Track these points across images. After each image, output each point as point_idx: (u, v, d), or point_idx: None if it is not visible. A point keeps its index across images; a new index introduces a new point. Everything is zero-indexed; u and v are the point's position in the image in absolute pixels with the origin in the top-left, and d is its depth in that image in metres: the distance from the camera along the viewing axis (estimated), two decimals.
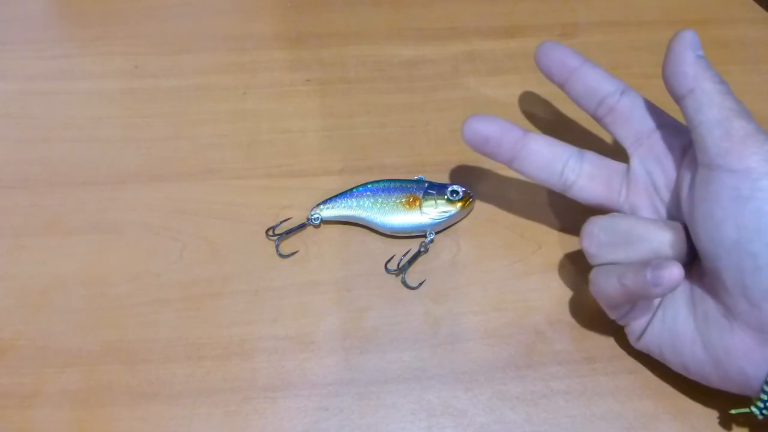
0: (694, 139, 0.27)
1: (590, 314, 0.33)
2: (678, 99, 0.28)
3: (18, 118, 0.41)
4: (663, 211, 0.30)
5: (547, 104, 0.42)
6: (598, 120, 0.32)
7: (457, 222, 0.36)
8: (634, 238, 0.28)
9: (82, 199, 0.37)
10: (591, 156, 0.32)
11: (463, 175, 0.38)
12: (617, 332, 0.32)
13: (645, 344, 0.30)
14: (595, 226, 0.30)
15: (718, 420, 0.30)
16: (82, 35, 0.46)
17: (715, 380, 0.27)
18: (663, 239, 0.28)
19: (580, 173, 0.31)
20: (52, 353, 0.32)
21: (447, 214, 0.35)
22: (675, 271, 0.25)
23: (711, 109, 0.27)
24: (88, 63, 0.44)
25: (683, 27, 0.45)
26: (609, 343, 0.32)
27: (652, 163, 0.30)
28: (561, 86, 0.32)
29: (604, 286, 0.29)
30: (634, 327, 0.30)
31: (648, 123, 0.30)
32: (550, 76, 0.33)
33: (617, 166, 0.32)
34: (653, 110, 0.31)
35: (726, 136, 0.26)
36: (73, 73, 0.43)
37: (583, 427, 0.30)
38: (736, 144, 0.26)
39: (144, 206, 0.37)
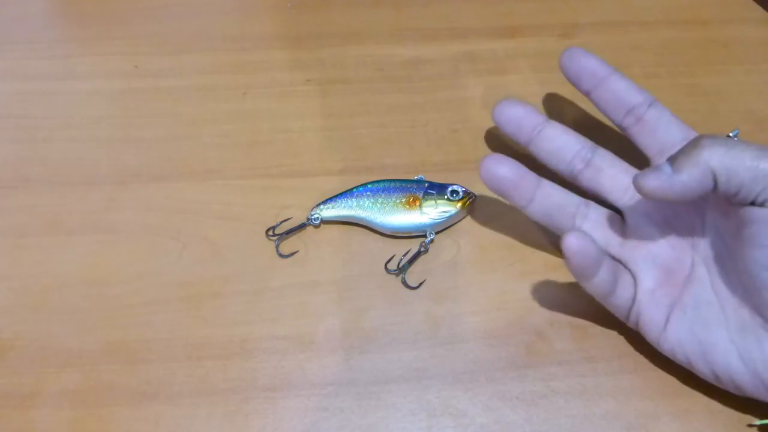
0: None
1: (590, 314, 0.33)
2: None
3: (18, 118, 0.41)
4: (672, 219, 0.30)
5: (547, 104, 0.42)
6: (623, 129, 0.33)
7: (457, 222, 0.36)
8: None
9: (82, 199, 0.37)
10: (603, 152, 0.33)
11: (463, 175, 0.38)
12: (617, 332, 0.32)
13: (670, 351, 0.29)
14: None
15: (718, 420, 0.30)
16: (82, 35, 0.46)
17: (750, 390, 0.27)
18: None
19: (589, 163, 0.32)
20: (52, 353, 0.32)
21: (447, 214, 0.35)
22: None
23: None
24: (88, 63, 0.44)
25: (683, 27, 0.46)
26: (609, 343, 0.32)
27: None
28: (587, 94, 0.33)
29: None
30: (632, 314, 0.30)
31: (674, 135, 0.31)
32: (577, 84, 0.33)
33: (626, 166, 0.32)
34: (679, 124, 0.31)
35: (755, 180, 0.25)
36: (73, 73, 0.43)
37: (583, 427, 0.30)
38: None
39: (144, 206, 0.37)
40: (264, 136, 0.40)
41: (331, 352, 0.32)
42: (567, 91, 0.42)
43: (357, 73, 0.43)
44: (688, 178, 0.26)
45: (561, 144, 0.33)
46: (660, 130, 0.31)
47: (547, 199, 0.32)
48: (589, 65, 0.33)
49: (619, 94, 0.32)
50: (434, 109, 0.41)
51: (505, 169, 0.31)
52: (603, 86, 0.33)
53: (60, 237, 0.36)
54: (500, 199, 0.37)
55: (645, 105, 0.32)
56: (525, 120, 0.33)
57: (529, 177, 0.32)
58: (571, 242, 0.27)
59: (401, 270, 0.34)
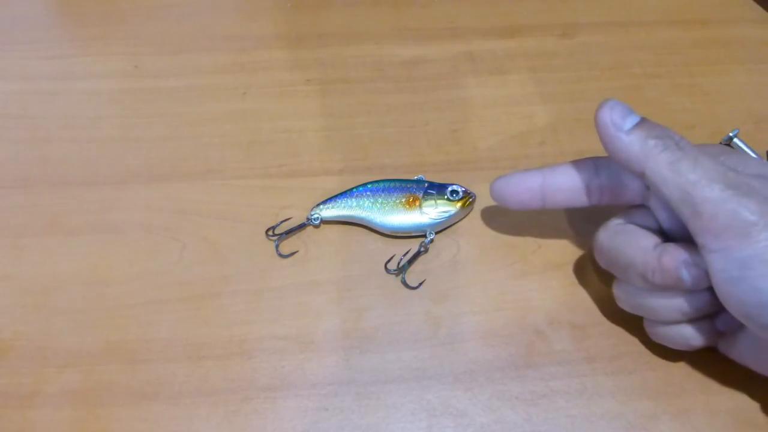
0: None
1: (590, 314, 0.33)
2: (637, 176, 0.27)
3: (18, 118, 0.41)
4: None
5: (546, 104, 0.42)
6: (601, 205, 0.31)
7: (457, 222, 0.36)
8: (625, 262, 0.28)
9: (82, 199, 0.37)
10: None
11: (463, 175, 0.38)
12: (617, 332, 0.32)
13: (730, 356, 0.29)
14: (600, 238, 0.30)
15: (718, 420, 0.30)
16: (82, 35, 0.46)
17: None
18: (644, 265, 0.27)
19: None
20: (52, 353, 0.32)
21: (447, 214, 0.35)
22: None
23: (668, 190, 0.26)
24: (88, 63, 0.44)
25: (683, 27, 0.46)
26: (609, 343, 0.32)
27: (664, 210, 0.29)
28: (543, 207, 0.31)
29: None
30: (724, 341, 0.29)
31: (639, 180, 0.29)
32: (526, 207, 0.31)
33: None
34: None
35: (695, 215, 0.25)
36: (73, 73, 0.43)
37: (583, 427, 0.30)
38: (707, 222, 0.24)
39: (144, 206, 0.37)
40: (264, 136, 0.40)
41: (331, 352, 0.32)
42: (566, 91, 0.42)
43: (357, 73, 0.43)
44: (628, 146, 0.27)
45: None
46: (627, 182, 0.29)
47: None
48: (519, 184, 0.31)
49: (566, 186, 0.30)
50: (434, 109, 0.41)
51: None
52: (549, 191, 0.31)
53: (60, 237, 0.36)
54: None
55: (593, 174, 0.30)
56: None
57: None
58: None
59: (401, 270, 0.34)
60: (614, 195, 0.30)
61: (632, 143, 0.27)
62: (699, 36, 0.45)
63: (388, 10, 0.47)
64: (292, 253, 0.35)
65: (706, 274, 0.25)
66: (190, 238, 0.35)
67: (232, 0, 0.48)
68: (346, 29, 0.46)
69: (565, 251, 0.35)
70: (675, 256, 0.26)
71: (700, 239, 0.25)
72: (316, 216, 0.35)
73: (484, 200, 0.37)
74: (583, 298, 0.33)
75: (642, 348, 0.31)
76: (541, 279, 0.34)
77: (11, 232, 0.36)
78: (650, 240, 0.28)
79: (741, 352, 0.28)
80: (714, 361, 0.30)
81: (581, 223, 0.36)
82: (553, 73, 0.43)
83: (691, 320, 0.28)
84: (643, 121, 0.27)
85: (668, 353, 0.31)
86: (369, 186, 0.36)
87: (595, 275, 0.34)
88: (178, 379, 0.31)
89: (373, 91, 0.42)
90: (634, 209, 0.30)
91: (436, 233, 0.35)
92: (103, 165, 0.39)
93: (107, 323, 0.33)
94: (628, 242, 0.28)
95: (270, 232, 0.35)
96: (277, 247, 0.35)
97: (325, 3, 0.48)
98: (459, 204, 0.35)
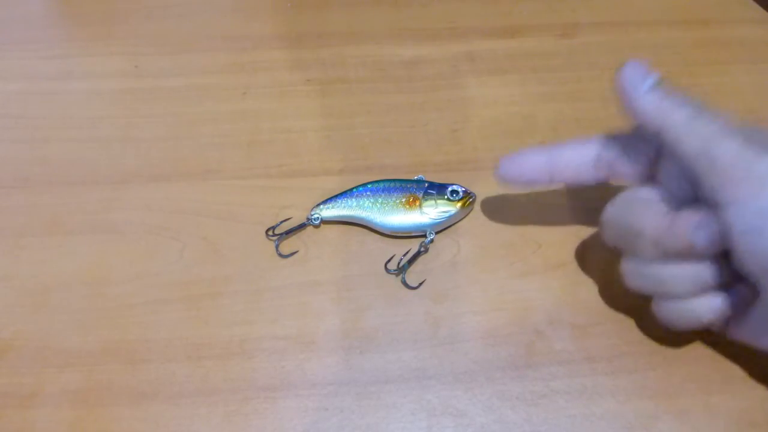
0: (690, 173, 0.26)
1: (590, 314, 0.33)
2: (654, 135, 0.27)
3: (18, 118, 0.41)
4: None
5: (547, 103, 0.42)
6: (608, 180, 0.31)
7: (457, 222, 0.36)
8: (635, 230, 0.28)
9: (82, 199, 0.37)
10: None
11: (463, 175, 0.38)
12: (617, 332, 0.32)
13: (740, 337, 0.29)
14: (608, 211, 0.29)
15: (718, 420, 0.30)
16: (82, 35, 0.46)
17: None
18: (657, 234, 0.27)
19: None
20: (52, 353, 0.32)
21: (447, 214, 0.35)
22: None
23: (686, 143, 0.26)
24: (88, 63, 0.44)
25: (683, 27, 0.46)
26: (609, 343, 0.32)
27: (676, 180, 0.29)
28: (551, 183, 0.32)
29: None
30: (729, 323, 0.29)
31: (647, 150, 0.29)
32: (533, 183, 0.32)
33: (645, 144, 0.30)
34: (642, 138, 0.30)
35: (712, 168, 0.25)
36: (73, 73, 0.43)
37: (583, 427, 0.30)
38: (724, 172, 0.24)
39: (144, 206, 0.37)
40: (264, 136, 0.40)
41: (331, 352, 0.32)
42: (566, 91, 0.42)
43: (357, 73, 0.43)
44: (646, 107, 0.27)
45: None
46: (632, 156, 0.30)
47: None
48: (524, 162, 0.31)
49: (574, 162, 0.31)
50: (434, 109, 0.41)
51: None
52: (556, 167, 0.31)
53: (60, 237, 0.36)
54: (499, 198, 0.37)
55: (600, 149, 0.30)
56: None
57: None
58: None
59: (401, 270, 0.34)
60: (622, 170, 0.30)
61: (652, 100, 0.27)
62: (699, 36, 0.45)
63: (388, 10, 0.47)
64: (292, 253, 0.35)
65: (720, 236, 0.25)
66: (190, 238, 0.35)
67: (231, 0, 0.48)
68: (346, 29, 0.46)
69: (565, 251, 0.35)
70: (688, 219, 0.26)
71: (716, 194, 0.25)
72: (316, 216, 0.35)
73: (484, 200, 0.37)
74: (583, 298, 0.33)
75: (642, 348, 0.31)
76: (541, 279, 0.34)
77: (11, 232, 0.36)
78: (661, 206, 0.28)
79: (753, 329, 0.28)
80: (714, 361, 0.30)
81: (581, 223, 0.36)
82: (553, 73, 0.43)
83: (703, 291, 0.27)
84: (663, 81, 0.27)
85: (668, 353, 0.31)
86: (369, 186, 0.36)
87: (596, 275, 0.34)
88: (178, 379, 0.31)
89: (373, 91, 0.42)
90: (641, 186, 0.30)
91: (436, 233, 0.35)
92: (103, 165, 0.39)
93: (107, 323, 0.33)
94: (639, 211, 0.28)
95: (270, 232, 0.35)
96: (277, 247, 0.35)
97: (325, 3, 0.48)
98: (459, 204, 0.35)
